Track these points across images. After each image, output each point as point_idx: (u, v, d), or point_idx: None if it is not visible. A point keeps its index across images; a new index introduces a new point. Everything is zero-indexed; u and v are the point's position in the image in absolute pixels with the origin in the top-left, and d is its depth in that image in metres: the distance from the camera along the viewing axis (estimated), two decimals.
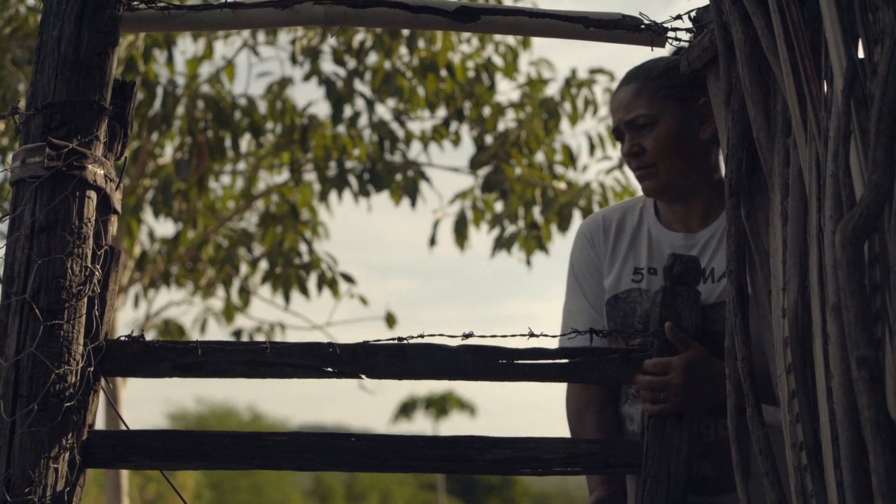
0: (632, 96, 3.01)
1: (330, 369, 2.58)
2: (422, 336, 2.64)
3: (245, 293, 8.31)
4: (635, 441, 2.81)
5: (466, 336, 2.68)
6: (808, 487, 2.23)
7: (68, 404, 2.39)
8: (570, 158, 7.39)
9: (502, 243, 7.30)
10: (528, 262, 7.35)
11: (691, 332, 2.77)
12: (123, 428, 2.68)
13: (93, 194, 2.49)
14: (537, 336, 2.78)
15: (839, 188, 2.10)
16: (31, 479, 2.33)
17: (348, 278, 7.95)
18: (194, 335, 8.53)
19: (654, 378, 2.74)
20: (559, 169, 7.43)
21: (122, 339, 2.56)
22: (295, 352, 2.60)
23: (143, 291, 8.34)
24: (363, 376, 2.58)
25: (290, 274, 7.77)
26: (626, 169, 7.34)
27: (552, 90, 7.58)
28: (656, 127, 2.97)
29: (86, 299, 2.45)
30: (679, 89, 2.98)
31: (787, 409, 2.30)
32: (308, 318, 8.60)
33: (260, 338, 8.60)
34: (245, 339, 8.47)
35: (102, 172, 2.51)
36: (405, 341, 2.64)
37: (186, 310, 9.27)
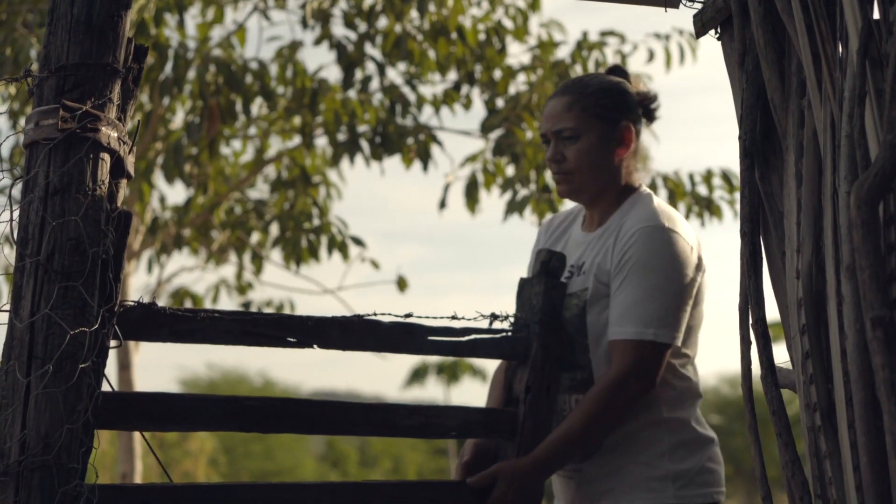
0: (562, 108, 3.33)
1: (291, 339, 2.83)
2: (375, 314, 2.99)
3: (258, 259, 8.31)
4: (513, 411, 3.21)
5: (407, 316, 3.07)
6: (821, 448, 2.24)
7: (83, 366, 2.40)
8: None
9: (514, 206, 7.29)
10: (541, 225, 7.33)
11: (536, 309, 3.22)
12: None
13: (106, 156, 2.49)
14: (459, 319, 3.18)
15: (854, 149, 2.10)
16: (47, 439, 2.34)
17: (358, 241, 7.94)
18: (207, 304, 8.55)
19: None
20: None
21: (130, 303, 2.60)
22: (269, 323, 2.82)
23: (155, 257, 8.35)
24: (315, 346, 2.88)
25: (299, 237, 7.77)
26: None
27: (563, 53, 7.52)
28: (579, 140, 3.30)
29: (100, 261, 2.45)
30: (605, 110, 3.32)
31: (800, 370, 2.31)
32: (320, 283, 8.59)
33: (269, 312, 8.60)
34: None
35: (116, 135, 2.50)
36: (355, 318, 2.97)
37: (200, 277, 9.29)
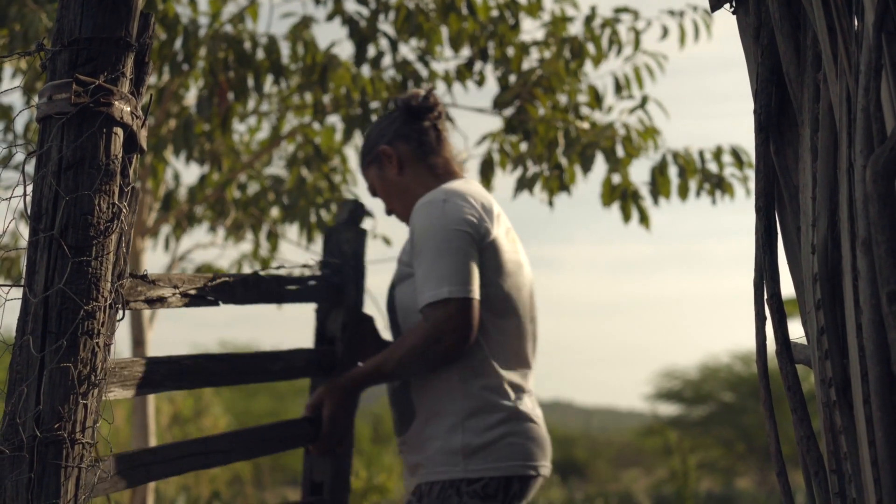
0: (362, 175, 3.89)
1: (210, 297, 3.15)
2: (257, 272, 3.43)
3: (273, 237, 8.31)
4: (331, 349, 3.70)
5: (258, 271, 3.47)
6: (836, 423, 2.23)
7: (97, 340, 2.40)
8: (596, 99, 7.34)
9: (524, 183, 7.26)
10: (551, 203, 7.32)
11: (349, 255, 3.76)
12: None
13: (119, 131, 2.49)
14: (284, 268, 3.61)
15: (870, 122, 2.09)
16: (61, 414, 2.34)
17: (367, 214, 7.93)
18: None
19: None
20: (585, 110, 7.38)
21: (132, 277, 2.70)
22: (199, 286, 3.14)
23: (172, 234, 8.35)
24: (220, 303, 3.20)
25: (307, 210, 7.76)
26: (650, 108, 7.29)
27: (576, 29, 7.47)
28: (377, 190, 3.85)
29: (113, 236, 2.45)
30: (368, 156, 3.83)
31: (815, 346, 2.30)
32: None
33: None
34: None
35: (129, 109, 2.50)
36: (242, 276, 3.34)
37: (220, 254, 9.35)
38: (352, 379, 3.55)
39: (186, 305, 3.06)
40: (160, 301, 2.95)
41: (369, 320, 3.80)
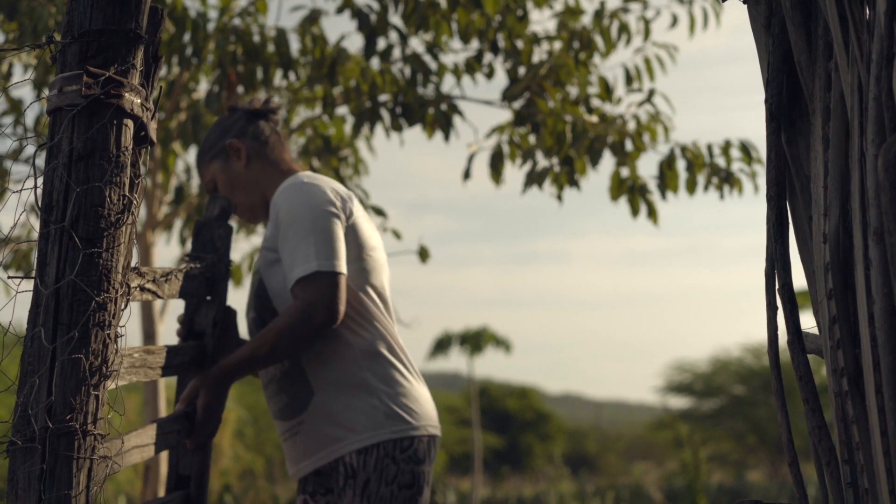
0: (200, 172, 3.95)
1: (150, 289, 3.16)
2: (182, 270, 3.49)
3: None
4: (200, 344, 3.69)
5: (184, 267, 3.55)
6: (848, 413, 2.23)
7: (108, 332, 2.41)
8: (607, 91, 7.33)
9: (534, 178, 7.25)
10: (560, 198, 7.31)
11: (221, 251, 3.76)
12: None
13: (130, 123, 2.49)
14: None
15: (881, 111, 2.08)
16: (73, 405, 2.34)
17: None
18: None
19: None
20: (595, 102, 7.36)
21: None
22: (155, 279, 3.20)
23: (187, 227, 8.36)
24: (158, 296, 3.24)
25: None
26: (657, 100, 7.27)
27: (586, 20, 7.44)
28: (220, 185, 3.88)
29: (124, 228, 2.46)
30: (211, 151, 3.91)
31: (827, 336, 2.29)
32: None
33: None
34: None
35: (139, 101, 2.50)
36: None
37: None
38: (224, 369, 3.57)
39: (140, 299, 3.13)
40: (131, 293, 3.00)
41: (232, 314, 3.84)
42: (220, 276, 3.75)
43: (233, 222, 3.89)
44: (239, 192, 3.88)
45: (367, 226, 3.74)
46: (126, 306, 2.58)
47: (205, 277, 3.70)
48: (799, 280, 2.54)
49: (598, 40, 7.30)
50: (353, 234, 3.67)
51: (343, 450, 3.57)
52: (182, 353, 3.54)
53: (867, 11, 2.23)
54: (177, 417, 3.54)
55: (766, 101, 2.52)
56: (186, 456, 3.65)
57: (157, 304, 7.95)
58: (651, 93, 7.14)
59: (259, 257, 3.76)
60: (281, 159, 3.93)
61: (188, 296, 3.65)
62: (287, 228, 3.60)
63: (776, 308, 2.47)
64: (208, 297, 3.73)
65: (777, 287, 2.46)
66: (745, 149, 7.22)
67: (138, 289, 3.06)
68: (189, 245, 8.55)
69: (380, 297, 3.73)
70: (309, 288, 3.52)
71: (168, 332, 9.25)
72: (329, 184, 3.72)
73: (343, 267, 3.56)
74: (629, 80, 7.24)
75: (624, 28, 7.26)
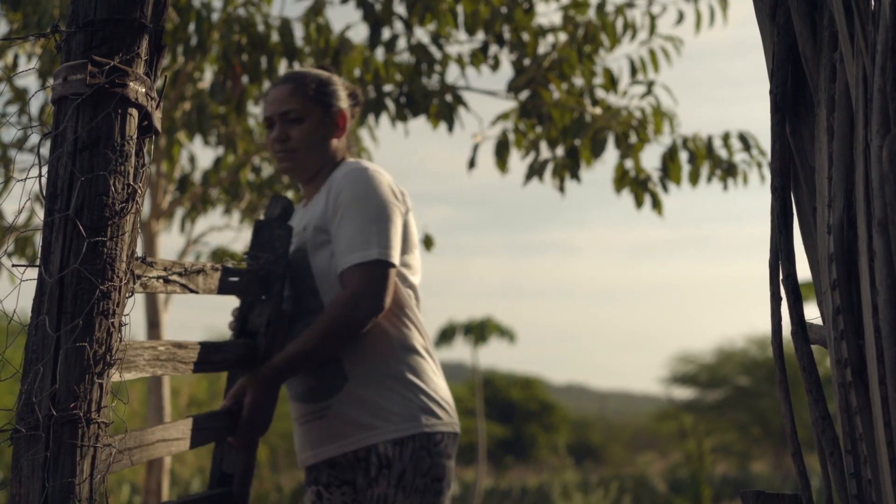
0: (287, 94, 3.80)
1: (182, 284, 3.15)
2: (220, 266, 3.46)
3: None
4: (252, 342, 3.66)
5: (223, 263, 3.51)
6: (852, 404, 2.23)
7: (112, 320, 2.41)
8: (611, 82, 7.32)
9: (535, 170, 7.25)
10: (562, 190, 7.31)
11: (280, 252, 3.68)
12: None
13: (134, 112, 2.49)
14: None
15: (886, 102, 2.08)
16: (77, 394, 2.35)
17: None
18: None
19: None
20: (600, 93, 7.36)
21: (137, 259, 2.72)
22: (184, 274, 3.18)
23: (188, 216, 8.36)
24: (188, 290, 3.21)
25: None
26: (659, 91, 7.26)
27: (592, 12, 7.43)
28: (303, 123, 3.78)
29: (128, 217, 2.46)
30: (324, 96, 3.83)
31: (831, 326, 2.29)
32: None
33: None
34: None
35: (143, 90, 2.50)
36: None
37: (236, 237, 9.36)
38: (274, 367, 3.55)
39: (167, 292, 3.10)
40: (148, 284, 2.98)
41: (287, 316, 3.81)
42: (276, 277, 3.71)
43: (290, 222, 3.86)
44: (310, 151, 3.81)
45: (414, 224, 3.78)
46: (132, 295, 2.59)
47: (259, 277, 3.69)
48: (803, 271, 2.54)
49: (602, 39, 7.29)
50: (404, 230, 3.70)
51: (376, 438, 3.57)
52: (225, 350, 3.53)
53: (872, 2, 2.23)
54: (217, 414, 3.55)
55: (771, 91, 2.52)
56: (231, 454, 3.63)
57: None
58: (651, 84, 7.14)
59: (303, 236, 3.73)
60: (346, 148, 3.91)
61: (243, 294, 3.66)
62: (348, 212, 3.60)
63: (780, 299, 2.46)
64: (263, 297, 3.71)
65: (781, 278, 2.45)
66: (744, 139, 7.22)
67: (162, 280, 3.04)
68: (191, 233, 8.58)
69: (415, 294, 3.77)
70: (364, 276, 3.54)
71: (172, 322, 9.26)
72: (389, 177, 3.74)
73: (398, 259, 3.59)
74: (634, 71, 7.23)
75: (629, 25, 7.26)
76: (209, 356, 3.39)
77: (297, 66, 7.14)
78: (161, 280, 3.04)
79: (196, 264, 3.27)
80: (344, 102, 3.86)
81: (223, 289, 3.47)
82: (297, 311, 3.72)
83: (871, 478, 2.18)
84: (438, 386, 3.67)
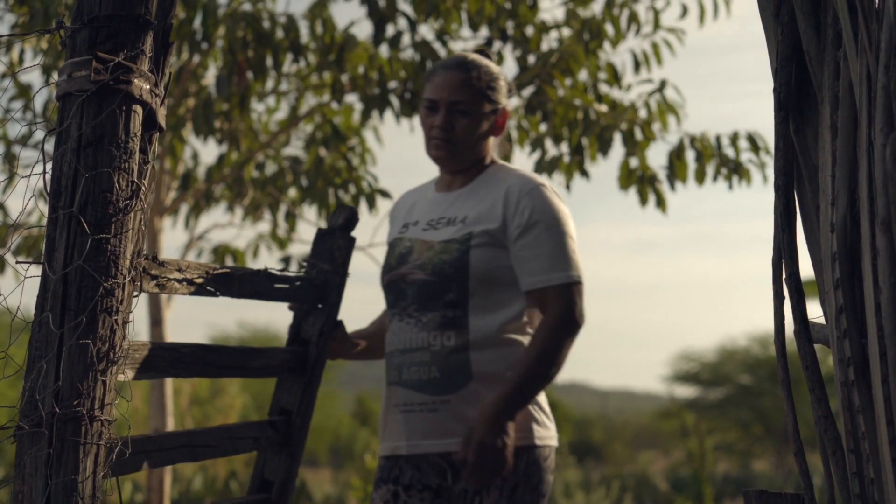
0: (459, 83, 3.71)
1: (210, 288, 3.13)
2: (261, 270, 3.43)
3: (291, 217, 8.32)
4: (302, 350, 3.66)
5: (266, 268, 3.45)
6: (854, 403, 2.23)
7: (115, 318, 2.41)
8: (615, 77, 7.32)
9: (543, 167, 7.25)
10: (568, 188, 7.31)
11: (339, 262, 3.71)
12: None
13: (139, 109, 2.49)
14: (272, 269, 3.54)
15: (890, 100, 2.08)
16: (80, 391, 2.35)
17: (385, 194, 7.93)
18: (248, 259, 8.59)
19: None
20: (603, 88, 7.36)
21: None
22: (209, 275, 3.14)
23: (192, 213, 8.36)
24: (219, 294, 3.19)
25: (325, 191, 7.76)
26: (668, 93, 7.28)
27: (596, 7, 7.45)
28: (470, 116, 3.70)
29: (132, 214, 2.46)
30: (493, 92, 3.75)
31: (834, 325, 2.29)
32: None
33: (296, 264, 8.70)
34: (294, 265, 8.55)
35: (148, 87, 2.50)
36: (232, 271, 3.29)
37: (238, 234, 9.37)
38: (499, 403, 3.48)
39: (191, 293, 3.07)
40: (167, 285, 2.96)
41: (341, 326, 3.79)
42: (333, 287, 3.70)
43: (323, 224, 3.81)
44: (470, 146, 3.73)
45: None
46: (139, 294, 2.59)
47: (315, 285, 3.67)
48: (806, 269, 2.54)
49: (608, 28, 7.29)
50: None
51: None
52: (268, 356, 3.50)
53: (876, 0, 2.22)
54: (255, 424, 3.52)
55: (775, 90, 2.52)
56: (273, 461, 3.61)
57: None
58: (663, 83, 7.15)
59: (462, 230, 3.64)
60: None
61: (299, 301, 3.64)
62: (542, 229, 3.58)
63: (783, 297, 2.46)
64: (319, 306, 3.69)
65: (784, 276, 2.45)
66: (753, 140, 7.22)
67: (184, 283, 3.02)
68: (195, 230, 8.59)
69: None
70: (573, 296, 3.55)
71: (175, 320, 9.26)
72: None
73: None
74: (637, 65, 7.23)
75: (633, 17, 7.26)
76: (248, 362, 3.39)
77: (302, 63, 7.15)
78: (183, 282, 3.02)
79: (224, 268, 3.24)
80: (506, 100, 3.82)
81: (268, 295, 3.45)
82: (434, 301, 3.62)
83: (873, 477, 2.18)
84: (544, 398, 3.65)
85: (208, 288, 3.12)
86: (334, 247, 3.72)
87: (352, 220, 3.76)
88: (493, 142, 3.78)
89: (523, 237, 3.58)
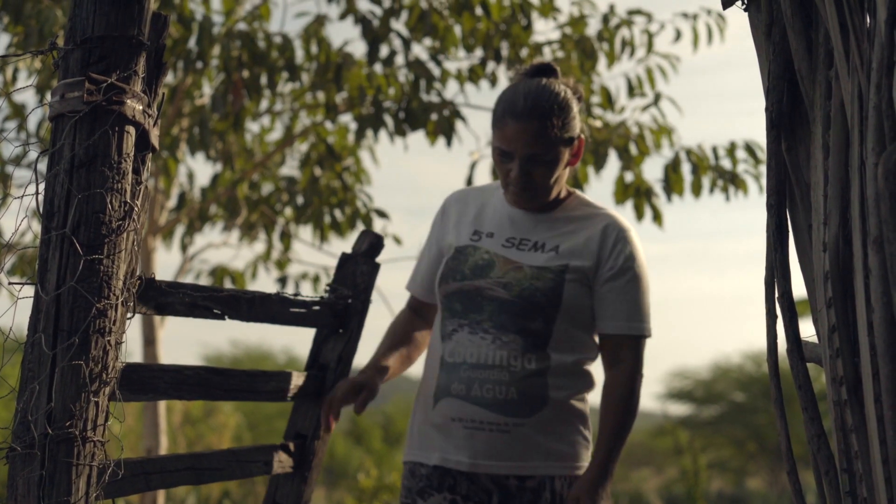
0: (534, 134, 3.50)
1: (217, 311, 3.12)
2: (274, 294, 3.40)
3: (287, 237, 8.33)
4: (319, 375, 3.63)
5: (279, 292, 3.43)
6: (847, 422, 2.23)
7: (108, 338, 2.41)
8: (609, 100, 7.34)
9: None
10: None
11: (361, 287, 3.68)
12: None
13: (131, 129, 2.49)
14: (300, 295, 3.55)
15: (881, 120, 2.08)
16: (73, 412, 2.34)
17: (382, 214, 7.94)
18: (247, 280, 8.60)
19: None
20: (597, 111, 7.38)
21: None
22: (215, 298, 3.12)
23: (188, 234, 8.35)
24: (226, 317, 3.17)
25: (321, 210, 7.77)
26: (663, 105, 7.29)
27: (591, 29, 7.46)
28: (549, 165, 3.55)
29: (125, 234, 2.46)
30: (567, 132, 3.56)
31: (827, 344, 2.30)
32: None
33: (305, 284, 8.69)
34: (290, 286, 8.54)
35: (141, 108, 2.50)
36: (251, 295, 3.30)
37: (235, 255, 9.37)
38: (602, 467, 3.55)
39: (194, 315, 3.05)
40: (168, 308, 2.95)
41: (385, 371, 3.73)
42: (354, 312, 3.69)
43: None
44: (550, 188, 3.62)
45: None
46: (133, 315, 2.59)
47: (336, 311, 3.66)
48: (799, 288, 2.55)
49: (604, 45, 7.31)
50: None
51: (556, 471, 3.55)
52: (279, 379, 3.47)
53: (868, 20, 2.23)
54: (265, 448, 3.50)
55: (767, 108, 2.52)
56: (286, 486, 3.63)
57: None
58: (657, 97, 7.16)
59: (558, 260, 3.59)
60: None
61: (316, 326, 3.63)
62: (632, 276, 3.62)
63: (776, 316, 2.47)
64: (340, 331, 3.68)
65: (777, 295, 2.46)
66: (751, 150, 7.24)
67: (192, 305, 3.02)
68: (189, 251, 8.58)
69: None
70: (642, 348, 3.64)
71: (168, 340, 9.26)
72: None
73: None
74: (631, 89, 7.25)
75: (628, 42, 7.28)
76: (258, 385, 3.36)
77: (298, 85, 7.15)
78: (187, 305, 3.01)
79: (230, 291, 3.23)
80: (580, 126, 3.66)
81: (284, 319, 3.43)
82: (520, 325, 3.57)
83: (866, 496, 2.18)
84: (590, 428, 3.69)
85: (215, 311, 3.11)
86: (357, 272, 3.71)
87: (376, 245, 3.75)
88: (567, 173, 3.68)
89: (614, 280, 3.59)
